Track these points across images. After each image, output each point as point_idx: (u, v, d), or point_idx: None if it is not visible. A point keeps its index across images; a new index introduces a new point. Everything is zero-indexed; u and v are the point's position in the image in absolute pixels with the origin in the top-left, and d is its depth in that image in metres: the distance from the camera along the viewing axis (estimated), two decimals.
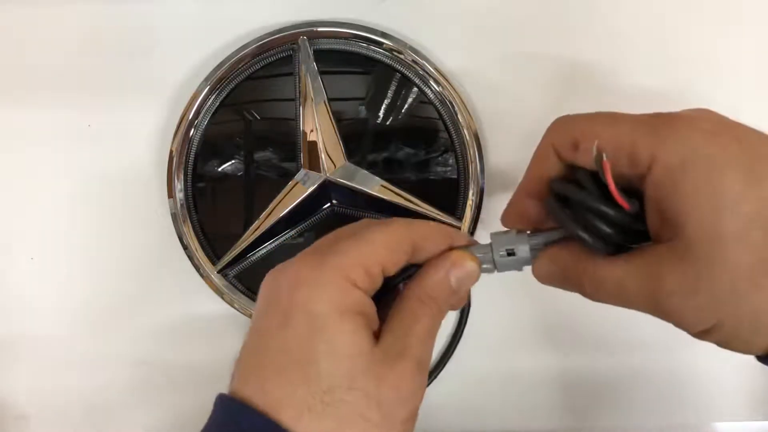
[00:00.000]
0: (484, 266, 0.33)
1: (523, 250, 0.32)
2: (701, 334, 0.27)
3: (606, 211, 0.28)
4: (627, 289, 0.28)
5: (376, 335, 0.30)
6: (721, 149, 0.26)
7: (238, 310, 0.47)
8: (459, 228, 0.46)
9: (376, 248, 0.30)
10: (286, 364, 0.28)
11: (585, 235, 0.29)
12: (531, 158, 0.33)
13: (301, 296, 0.29)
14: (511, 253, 0.33)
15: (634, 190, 0.28)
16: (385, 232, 0.31)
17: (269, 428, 0.27)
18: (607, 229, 0.28)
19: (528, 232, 0.33)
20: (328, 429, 0.27)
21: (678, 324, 0.28)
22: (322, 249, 0.30)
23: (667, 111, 0.28)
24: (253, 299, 0.47)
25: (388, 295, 0.32)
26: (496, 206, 0.48)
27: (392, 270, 0.31)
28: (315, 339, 0.28)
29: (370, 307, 0.30)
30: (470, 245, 0.33)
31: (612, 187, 0.27)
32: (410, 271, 0.33)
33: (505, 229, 0.34)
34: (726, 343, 0.27)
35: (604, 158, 0.28)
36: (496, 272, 0.33)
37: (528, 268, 0.33)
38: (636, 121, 0.28)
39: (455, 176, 0.47)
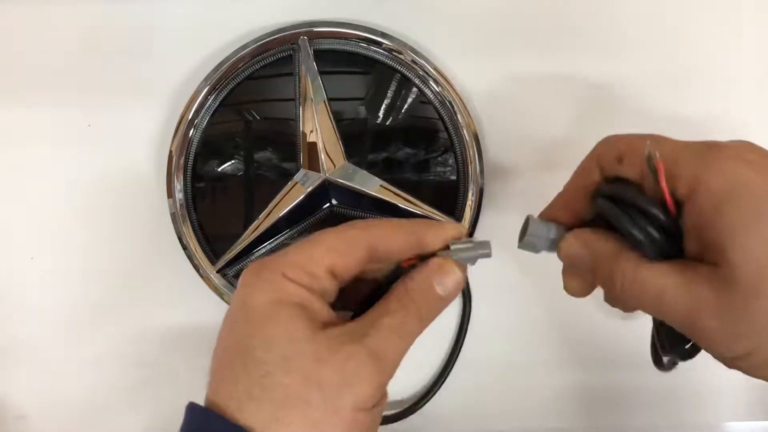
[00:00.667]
0: (463, 251, 0.33)
1: (552, 234, 0.34)
2: (730, 360, 0.28)
3: (657, 214, 0.29)
4: (666, 299, 0.28)
5: (331, 325, 0.30)
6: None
7: None
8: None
9: (318, 250, 0.30)
10: (231, 360, 0.29)
11: (639, 235, 0.29)
12: (573, 173, 0.35)
13: (241, 296, 0.30)
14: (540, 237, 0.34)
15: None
16: (333, 234, 0.31)
17: (215, 423, 0.28)
18: (656, 234, 0.29)
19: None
20: (267, 412, 0.27)
21: (708, 347, 0.28)
22: (270, 255, 0.31)
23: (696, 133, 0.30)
24: None
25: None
26: (495, 206, 0.48)
27: (345, 271, 0.31)
28: (251, 330, 0.29)
29: (314, 300, 0.30)
30: (444, 241, 0.33)
31: (664, 187, 0.28)
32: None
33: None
34: (754, 370, 0.28)
35: (657, 158, 0.28)
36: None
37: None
38: (681, 144, 0.29)
39: (455, 176, 0.47)
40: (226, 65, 0.46)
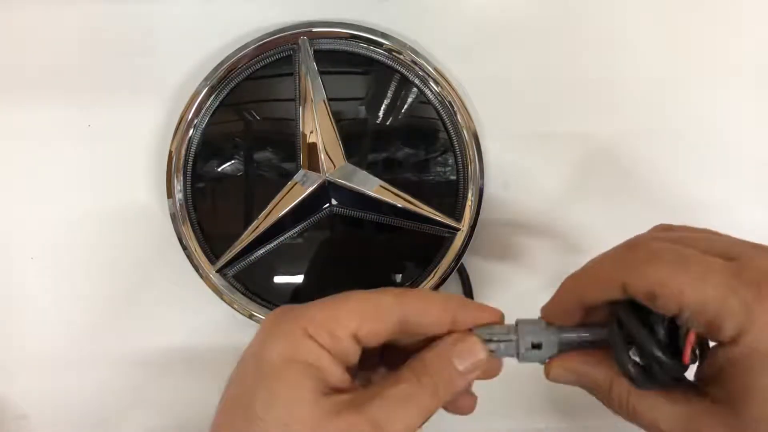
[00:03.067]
0: (497, 349, 0.31)
1: (551, 346, 0.31)
2: None
3: (668, 363, 0.28)
4: (661, 429, 0.28)
5: (340, 390, 0.29)
6: None
7: (237, 310, 0.47)
8: (458, 229, 0.46)
9: (347, 313, 0.29)
10: (234, 411, 0.29)
11: (638, 377, 0.29)
12: (589, 270, 0.31)
13: (257, 344, 0.29)
14: (536, 347, 0.31)
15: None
16: (364, 298, 0.30)
17: None
18: (660, 376, 0.28)
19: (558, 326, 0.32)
20: None
21: None
22: (300, 305, 0.30)
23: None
24: (252, 299, 0.47)
25: None
26: (495, 207, 0.48)
27: (371, 338, 0.30)
28: (259, 384, 0.28)
29: (329, 363, 0.29)
30: (476, 324, 0.31)
31: (687, 356, 0.28)
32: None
33: (529, 317, 0.32)
34: None
35: (692, 332, 0.27)
36: (515, 360, 0.32)
37: None
38: (724, 287, 0.26)
39: (454, 177, 0.47)
40: (226, 65, 0.46)
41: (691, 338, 0.27)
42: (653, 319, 0.28)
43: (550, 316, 0.32)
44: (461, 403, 0.33)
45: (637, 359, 0.29)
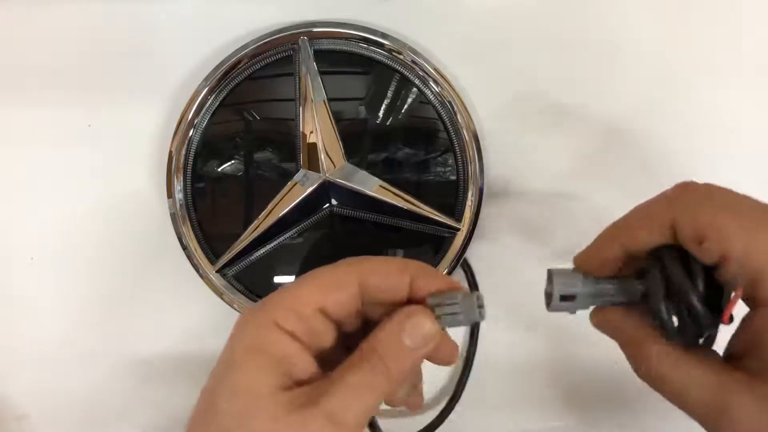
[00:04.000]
0: (452, 315, 0.30)
1: (585, 297, 0.31)
2: None
3: (705, 317, 0.27)
4: (689, 398, 0.28)
5: (303, 383, 0.28)
6: None
7: (237, 310, 0.47)
8: (458, 229, 0.46)
9: (307, 288, 0.29)
10: (205, 404, 0.28)
11: (671, 326, 0.28)
12: (637, 212, 0.31)
13: (232, 337, 0.29)
14: (569, 297, 0.31)
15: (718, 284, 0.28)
16: (322, 271, 0.30)
17: None
18: (694, 329, 0.28)
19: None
20: None
21: None
22: (268, 296, 0.30)
23: None
24: (252, 299, 0.47)
25: None
26: (495, 207, 0.48)
27: (338, 308, 0.30)
28: (224, 377, 0.28)
29: (296, 353, 0.28)
30: (438, 290, 0.30)
31: (730, 312, 0.27)
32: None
33: (563, 267, 0.32)
34: None
35: (739, 288, 0.27)
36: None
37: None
38: None
39: (454, 177, 0.47)
40: (226, 65, 0.46)
41: (738, 294, 0.26)
42: (695, 269, 0.28)
43: (587, 264, 0.32)
44: (442, 353, 0.32)
45: (672, 310, 0.28)
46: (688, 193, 0.29)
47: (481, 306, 0.29)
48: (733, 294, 0.27)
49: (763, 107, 0.48)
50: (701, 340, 0.29)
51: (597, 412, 0.49)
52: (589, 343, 0.47)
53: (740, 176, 0.47)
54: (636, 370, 0.30)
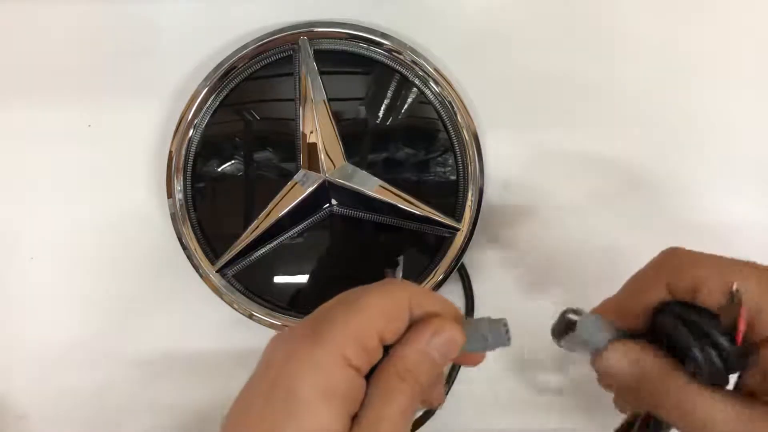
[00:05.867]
0: (475, 342, 0.31)
1: (600, 333, 0.31)
2: None
3: (726, 345, 0.28)
4: (714, 429, 0.28)
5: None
6: None
7: (237, 310, 0.47)
8: (458, 229, 0.46)
9: (372, 318, 0.28)
10: None
11: (702, 358, 0.28)
12: (632, 283, 0.33)
13: (288, 371, 0.27)
14: (586, 342, 0.31)
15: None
16: (382, 297, 0.29)
17: None
18: (719, 363, 0.28)
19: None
20: None
21: None
22: (320, 317, 0.29)
23: None
24: (252, 299, 0.47)
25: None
26: (495, 207, 0.48)
27: (391, 339, 0.29)
28: (288, 419, 0.27)
29: (359, 389, 0.28)
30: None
31: (742, 329, 0.28)
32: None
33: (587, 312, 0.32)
34: None
35: (743, 306, 0.27)
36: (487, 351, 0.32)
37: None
38: (764, 281, 0.28)
39: (454, 177, 0.47)
40: (226, 65, 0.46)
41: (743, 313, 0.27)
42: (703, 312, 0.29)
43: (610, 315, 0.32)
44: (469, 359, 0.32)
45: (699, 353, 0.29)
46: (673, 255, 0.31)
47: (507, 332, 0.31)
48: (739, 316, 0.28)
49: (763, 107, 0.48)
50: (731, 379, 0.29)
51: (592, 413, 0.49)
52: None
53: (740, 180, 0.48)
54: (655, 405, 0.30)
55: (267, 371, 0.28)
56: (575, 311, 0.32)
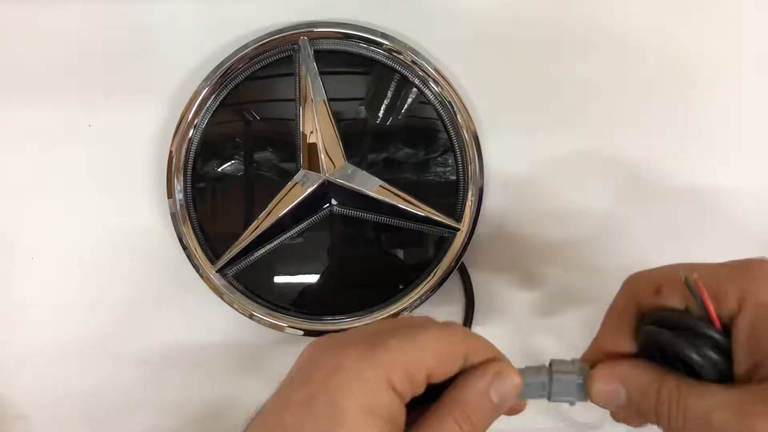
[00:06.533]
0: (531, 388, 0.31)
1: (582, 391, 0.31)
2: None
3: (713, 334, 0.28)
4: (714, 421, 0.27)
5: None
6: None
7: (237, 311, 0.47)
8: (458, 229, 0.46)
9: (426, 354, 0.29)
10: None
11: (699, 358, 0.28)
12: (606, 319, 0.33)
13: (334, 383, 0.28)
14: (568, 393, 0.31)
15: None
16: (440, 339, 0.29)
17: None
18: (716, 356, 0.28)
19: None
20: None
21: None
22: (375, 339, 0.29)
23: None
24: (252, 299, 0.47)
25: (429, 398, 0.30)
26: (495, 207, 0.48)
27: (437, 379, 0.29)
28: (329, 430, 0.27)
29: (399, 414, 0.28)
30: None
31: (710, 305, 0.28)
32: None
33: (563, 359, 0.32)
34: None
35: (695, 278, 0.28)
36: (546, 401, 0.32)
37: None
38: (716, 265, 0.29)
39: (454, 177, 0.47)
40: (226, 65, 0.46)
41: (703, 289, 0.28)
42: (673, 313, 0.30)
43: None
44: (514, 408, 0.33)
45: (692, 351, 0.29)
46: (632, 278, 0.32)
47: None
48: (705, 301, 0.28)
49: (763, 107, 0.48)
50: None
51: (592, 413, 0.49)
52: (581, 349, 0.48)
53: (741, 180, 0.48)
54: (656, 417, 0.30)
55: (310, 378, 0.28)
56: (560, 364, 0.32)
